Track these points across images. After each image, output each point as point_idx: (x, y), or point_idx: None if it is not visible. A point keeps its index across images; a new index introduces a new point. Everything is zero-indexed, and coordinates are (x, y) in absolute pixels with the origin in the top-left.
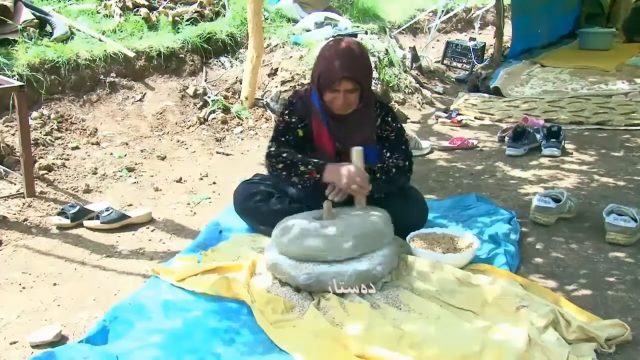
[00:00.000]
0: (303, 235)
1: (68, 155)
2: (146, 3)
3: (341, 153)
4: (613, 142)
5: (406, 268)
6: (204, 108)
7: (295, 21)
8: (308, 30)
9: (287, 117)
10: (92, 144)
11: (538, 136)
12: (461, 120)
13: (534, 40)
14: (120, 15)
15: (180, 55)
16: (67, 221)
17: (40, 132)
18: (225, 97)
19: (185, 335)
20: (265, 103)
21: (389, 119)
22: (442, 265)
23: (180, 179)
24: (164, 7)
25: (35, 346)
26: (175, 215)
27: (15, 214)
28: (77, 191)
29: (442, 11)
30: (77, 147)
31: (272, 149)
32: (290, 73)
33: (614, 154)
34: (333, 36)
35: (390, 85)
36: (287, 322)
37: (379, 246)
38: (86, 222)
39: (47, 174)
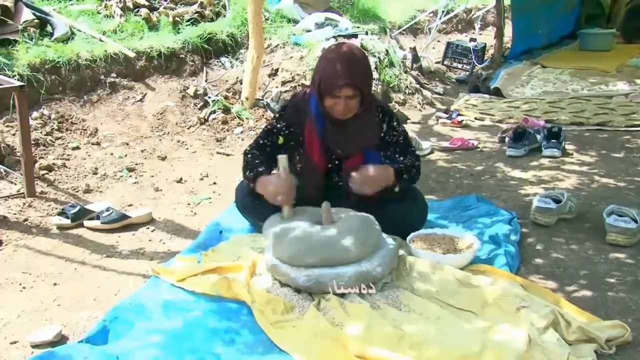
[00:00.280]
0: (303, 253)
1: (68, 155)
2: (147, 3)
3: (337, 160)
4: (613, 143)
5: (406, 269)
6: (204, 108)
7: (296, 22)
8: (308, 31)
9: (275, 121)
10: (93, 144)
11: (538, 137)
12: (461, 120)
13: (534, 41)
14: (121, 15)
15: (181, 56)
16: (68, 221)
17: (41, 132)
18: (226, 98)
19: (186, 336)
20: (265, 103)
21: (394, 123)
22: (442, 266)
23: (181, 179)
24: (164, 8)
25: (36, 346)
26: (175, 215)
27: (15, 214)
28: (77, 191)
29: (443, 12)
30: (77, 147)
31: (248, 148)
32: (291, 73)
33: (614, 154)
34: (334, 36)
35: (391, 85)
36: (287, 322)
37: (377, 250)
38: (86, 222)
39: (47, 174)
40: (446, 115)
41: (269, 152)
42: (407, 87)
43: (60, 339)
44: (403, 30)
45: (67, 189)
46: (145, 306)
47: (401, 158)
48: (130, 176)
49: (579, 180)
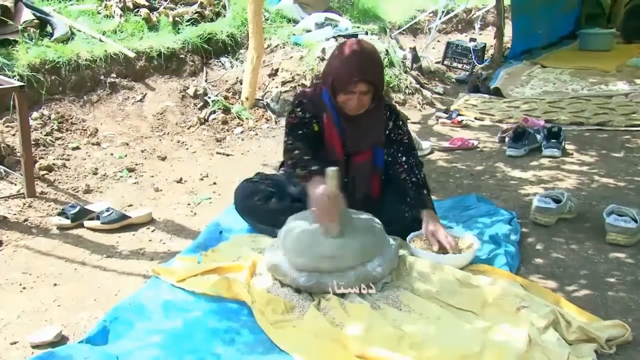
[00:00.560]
0: (311, 259)
1: (68, 155)
2: (146, 3)
3: (349, 153)
4: (613, 142)
5: (406, 269)
6: (204, 108)
7: (296, 22)
8: (308, 31)
9: (299, 113)
10: (93, 144)
11: (538, 137)
12: (461, 120)
13: (534, 40)
14: (121, 15)
15: (181, 56)
16: (68, 221)
17: (41, 133)
18: (226, 98)
19: (186, 336)
20: (265, 103)
21: (400, 122)
22: (442, 266)
23: (181, 179)
24: (164, 8)
25: (36, 346)
26: (175, 215)
27: (15, 214)
28: (77, 191)
29: (443, 12)
30: (77, 148)
31: (289, 142)
32: (291, 73)
33: (614, 154)
34: (333, 36)
35: (391, 85)
36: (287, 322)
37: (380, 252)
38: (86, 223)
39: (47, 174)
40: (446, 115)
41: (309, 141)
42: (407, 87)
43: (61, 340)
44: (403, 30)
45: (67, 189)
46: (146, 306)
47: (404, 158)
48: (130, 176)
49: (579, 180)
